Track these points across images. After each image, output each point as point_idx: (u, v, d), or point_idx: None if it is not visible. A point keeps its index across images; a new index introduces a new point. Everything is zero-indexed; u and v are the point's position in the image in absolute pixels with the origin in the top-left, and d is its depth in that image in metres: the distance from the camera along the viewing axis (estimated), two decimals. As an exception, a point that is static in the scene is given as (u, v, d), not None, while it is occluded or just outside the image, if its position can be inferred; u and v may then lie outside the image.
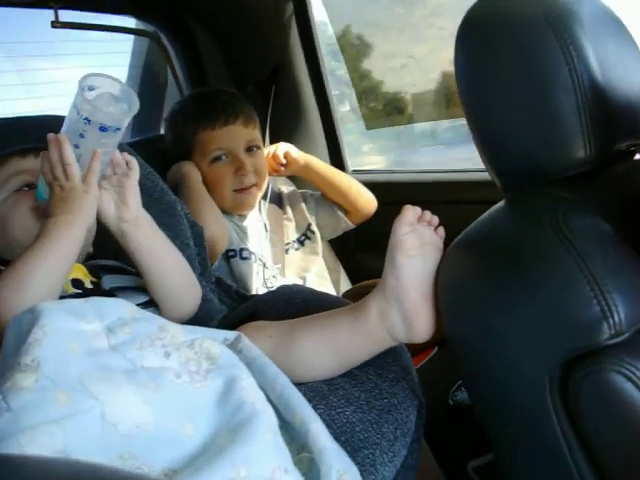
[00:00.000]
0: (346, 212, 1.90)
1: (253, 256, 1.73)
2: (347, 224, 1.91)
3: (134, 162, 1.05)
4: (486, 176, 0.97)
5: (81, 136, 0.97)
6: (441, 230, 1.00)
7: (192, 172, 1.66)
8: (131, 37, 2.30)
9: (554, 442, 0.79)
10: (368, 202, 1.90)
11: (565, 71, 0.81)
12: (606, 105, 0.84)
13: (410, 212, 0.97)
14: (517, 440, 0.87)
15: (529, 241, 0.83)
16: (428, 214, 0.99)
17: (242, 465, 0.62)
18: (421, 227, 0.98)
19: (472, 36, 0.91)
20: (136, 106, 0.99)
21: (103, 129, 0.96)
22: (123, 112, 0.98)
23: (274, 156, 1.84)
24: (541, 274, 0.78)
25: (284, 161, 1.84)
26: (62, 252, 0.94)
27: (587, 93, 0.82)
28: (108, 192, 1.04)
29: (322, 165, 1.91)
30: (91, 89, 0.96)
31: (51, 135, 0.98)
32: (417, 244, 0.96)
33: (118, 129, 0.98)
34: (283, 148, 1.86)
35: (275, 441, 0.70)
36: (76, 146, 0.98)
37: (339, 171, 1.95)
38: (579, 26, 0.83)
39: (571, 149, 0.84)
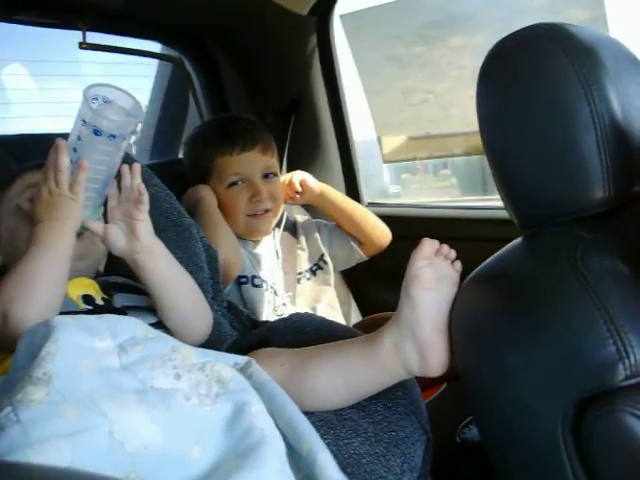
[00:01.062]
0: (360, 244, 1.89)
1: (265, 284, 1.73)
2: (360, 256, 1.91)
3: (145, 196, 1.04)
4: (503, 213, 0.97)
5: (78, 138, 0.98)
6: (458, 264, 0.99)
7: (208, 196, 1.67)
8: (155, 61, 2.33)
9: (563, 482, 0.78)
10: (382, 234, 1.90)
11: (586, 111, 0.81)
12: (626, 146, 0.84)
13: (428, 245, 0.97)
14: (526, 479, 0.86)
15: (546, 279, 0.82)
16: (446, 247, 0.99)
17: (249, 491, 0.62)
18: (438, 260, 0.97)
19: (493, 75, 0.91)
20: (138, 117, 1.00)
21: (97, 133, 0.97)
22: (120, 121, 0.99)
23: (290, 184, 1.85)
24: (557, 312, 0.78)
25: (300, 189, 1.85)
26: (58, 257, 0.96)
27: (608, 134, 0.82)
28: (116, 224, 1.05)
29: (338, 195, 1.92)
30: (96, 99, 0.98)
31: (57, 143, 1.00)
32: (433, 277, 0.96)
33: (112, 136, 0.98)
34: (299, 176, 1.87)
35: (282, 469, 0.69)
36: (74, 150, 0.99)
37: (355, 202, 1.95)
38: (601, 67, 0.83)
39: (590, 189, 0.83)
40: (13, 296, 0.92)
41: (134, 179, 1.05)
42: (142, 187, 1.04)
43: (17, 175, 1.17)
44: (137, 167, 1.05)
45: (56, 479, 0.35)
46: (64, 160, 0.98)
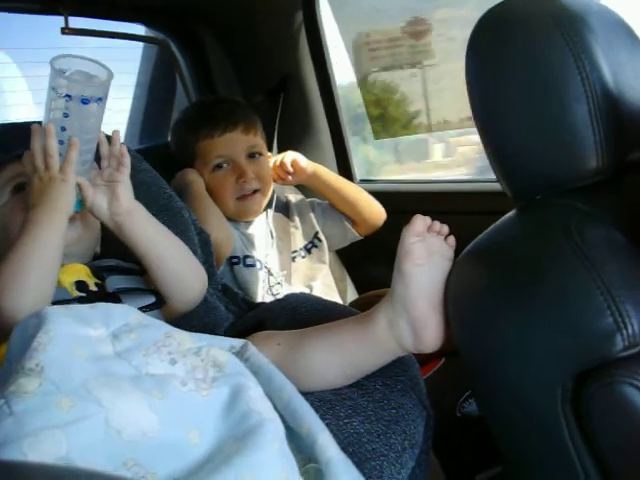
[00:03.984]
0: (354, 223, 1.89)
1: (258, 263, 1.72)
2: (354, 235, 1.90)
3: (127, 157, 1.05)
4: (495, 186, 0.96)
5: (65, 116, 0.97)
6: (451, 239, 0.99)
7: (195, 180, 1.66)
8: (140, 44, 2.30)
9: (565, 454, 0.78)
10: (376, 214, 1.88)
11: (577, 80, 0.81)
12: (619, 115, 0.83)
13: (419, 222, 0.97)
14: (527, 452, 0.86)
15: (541, 251, 0.82)
16: (437, 224, 0.98)
17: (248, 474, 0.61)
18: (430, 237, 0.97)
19: (482, 47, 0.90)
20: (111, 74, 0.98)
21: (85, 101, 0.96)
22: (102, 81, 0.98)
23: (281, 164, 1.84)
24: (553, 285, 0.77)
25: (291, 169, 1.84)
26: (50, 240, 0.96)
27: (600, 103, 0.81)
28: (100, 188, 1.05)
29: (330, 175, 1.90)
30: (62, 71, 0.96)
31: (35, 126, 0.99)
32: (425, 253, 0.96)
33: (99, 99, 0.98)
34: (291, 156, 1.85)
35: (282, 451, 0.68)
36: (63, 128, 0.98)
37: (348, 181, 1.94)
38: (591, 35, 0.83)
39: (583, 159, 0.83)
40: (3, 287, 0.91)
41: (114, 144, 1.05)
42: (124, 149, 1.05)
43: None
44: (116, 133, 1.06)
45: (53, 472, 0.34)
46: (53, 144, 0.97)
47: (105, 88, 0.98)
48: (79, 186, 1.02)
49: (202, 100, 1.99)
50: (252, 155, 1.72)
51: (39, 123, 1.04)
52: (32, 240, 0.95)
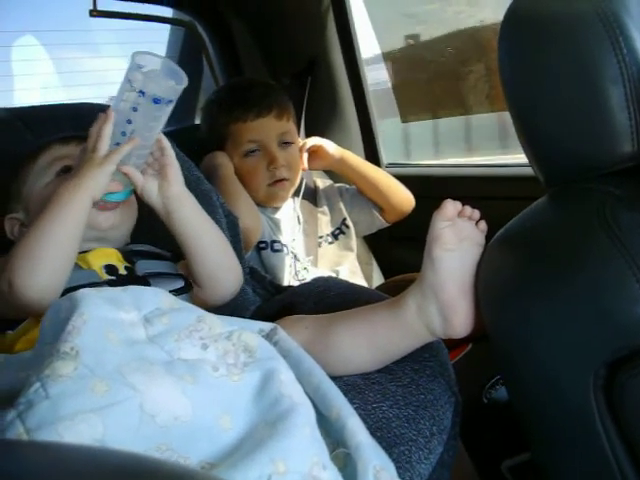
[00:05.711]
0: (382, 210, 1.87)
1: (285, 248, 1.72)
2: (382, 222, 1.88)
3: (164, 139, 1.05)
4: (525, 171, 0.95)
5: (134, 110, 0.97)
6: (482, 224, 0.98)
7: (225, 163, 1.66)
8: (167, 27, 2.30)
9: (596, 442, 0.78)
10: (405, 200, 1.86)
11: (614, 63, 0.79)
12: (656, 98, 0.81)
13: (450, 206, 0.96)
14: (557, 438, 0.86)
15: (575, 237, 0.80)
16: (468, 209, 0.97)
17: (281, 460, 0.61)
18: (461, 222, 0.96)
19: (517, 27, 0.89)
20: (185, 80, 0.99)
21: (157, 101, 0.96)
22: (175, 85, 0.98)
23: (301, 149, 1.81)
24: (587, 270, 0.76)
25: (305, 156, 1.81)
26: (68, 218, 0.95)
27: (636, 85, 0.79)
28: (151, 175, 1.05)
29: (358, 160, 1.88)
30: (140, 67, 0.97)
31: (101, 114, 0.99)
32: (455, 239, 0.95)
33: (170, 101, 0.99)
34: (314, 142, 1.83)
35: (313, 435, 0.68)
36: (129, 121, 0.98)
37: (376, 167, 1.92)
38: (628, 17, 0.81)
39: (618, 143, 0.81)
40: (17, 264, 0.91)
41: None
42: (161, 136, 1.05)
43: (42, 148, 1.16)
44: None
45: (88, 455, 0.34)
46: (108, 129, 0.97)
47: (177, 92, 0.99)
48: (128, 174, 1.02)
49: (235, 81, 1.98)
50: (284, 142, 1.71)
51: (68, 106, 1.04)
52: (49, 217, 0.94)
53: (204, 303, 1.13)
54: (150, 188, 1.05)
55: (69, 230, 0.95)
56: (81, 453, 0.35)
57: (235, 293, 1.17)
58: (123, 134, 0.99)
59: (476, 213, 0.98)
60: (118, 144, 0.99)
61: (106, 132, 0.97)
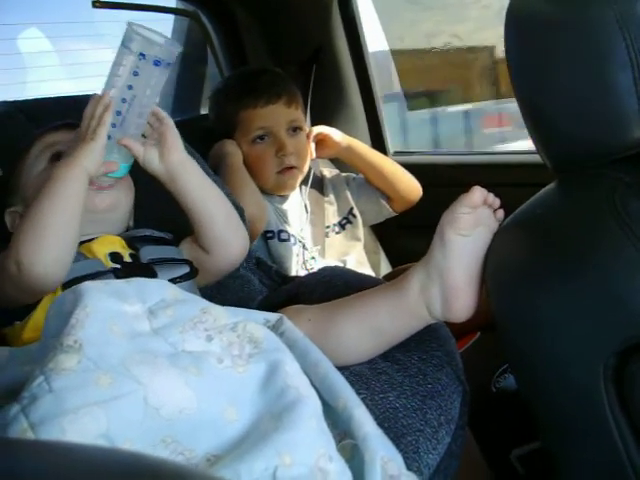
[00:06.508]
0: (389, 199, 1.86)
1: (293, 238, 1.72)
2: (389, 212, 1.87)
3: (160, 110, 1.05)
4: (533, 158, 0.94)
5: (135, 74, 0.97)
6: (500, 213, 0.96)
7: (234, 151, 1.66)
8: (171, 17, 2.29)
9: (606, 431, 0.77)
10: (413, 189, 1.84)
11: (622, 47, 0.78)
12: (665, 83, 0.80)
13: (478, 193, 0.94)
14: (566, 427, 0.85)
15: (584, 224, 0.80)
16: (492, 196, 0.95)
17: (286, 452, 0.61)
18: (481, 209, 0.95)
19: (523, 14, 0.87)
20: (178, 44, 1.00)
21: (157, 63, 0.96)
22: (174, 47, 0.99)
23: (308, 136, 1.79)
24: (597, 259, 0.76)
25: (312, 145, 1.80)
26: (66, 194, 0.95)
27: (645, 71, 0.78)
28: (151, 144, 1.05)
29: (365, 148, 1.87)
30: (138, 34, 0.97)
31: (97, 95, 0.99)
32: (472, 225, 0.94)
33: (169, 64, 0.99)
34: (320, 130, 1.82)
35: (320, 427, 0.68)
36: (129, 87, 0.98)
37: (384, 156, 1.90)
38: (637, 1, 0.79)
39: (627, 129, 0.80)
40: (22, 243, 0.91)
41: None
42: (156, 107, 1.05)
43: (35, 138, 1.16)
44: None
45: (88, 455, 0.34)
46: (108, 117, 0.97)
47: (175, 56, 0.99)
48: (128, 146, 1.02)
49: (244, 69, 1.97)
50: (293, 129, 1.71)
51: (72, 98, 1.03)
52: (48, 195, 0.94)
53: (212, 270, 1.15)
54: (151, 157, 1.05)
55: (69, 204, 0.95)
56: (81, 452, 0.35)
57: (243, 256, 1.18)
58: (123, 101, 0.98)
59: (497, 201, 0.96)
60: (119, 112, 0.99)
61: (107, 119, 0.97)
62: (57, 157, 1.11)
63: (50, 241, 0.92)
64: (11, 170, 1.16)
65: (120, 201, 1.13)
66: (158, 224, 1.18)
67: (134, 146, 1.03)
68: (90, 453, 0.34)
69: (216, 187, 1.13)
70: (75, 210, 0.96)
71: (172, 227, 1.15)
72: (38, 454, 0.34)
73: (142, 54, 0.95)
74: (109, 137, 1.00)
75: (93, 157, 0.98)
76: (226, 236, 1.13)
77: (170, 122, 1.06)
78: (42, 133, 1.17)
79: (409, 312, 0.98)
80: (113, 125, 1.00)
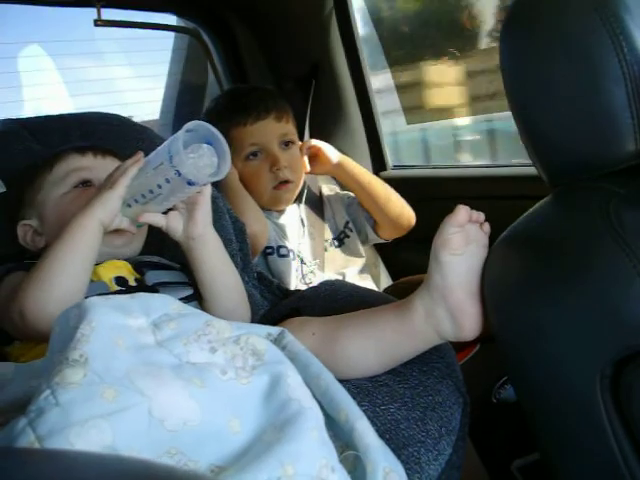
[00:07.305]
0: (376, 224, 1.85)
1: (291, 253, 1.73)
2: (375, 238, 1.88)
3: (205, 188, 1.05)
4: (529, 170, 0.95)
5: (167, 181, 0.97)
6: (486, 226, 0.98)
7: (229, 170, 1.66)
8: (172, 34, 2.32)
9: (604, 442, 0.77)
10: (403, 215, 1.82)
11: (615, 62, 0.79)
12: (658, 96, 0.81)
13: (463, 212, 0.95)
14: (564, 439, 0.86)
15: (579, 236, 0.81)
16: (476, 213, 0.97)
17: (289, 463, 0.62)
18: (469, 226, 0.96)
19: (518, 26, 0.89)
20: (226, 167, 0.99)
21: (190, 183, 0.97)
22: (211, 174, 0.99)
23: (301, 149, 1.80)
24: (592, 271, 0.77)
25: (306, 158, 1.81)
26: (76, 242, 0.96)
27: (638, 85, 0.79)
28: (177, 214, 1.06)
29: (358, 168, 1.85)
30: (188, 131, 0.97)
31: (136, 156, 1.00)
32: (463, 243, 0.95)
33: (204, 184, 1.00)
34: (312, 143, 1.83)
35: (322, 438, 0.69)
36: (159, 186, 0.98)
37: (376, 178, 1.88)
38: (629, 16, 0.81)
39: (621, 142, 0.81)
40: (28, 293, 0.93)
41: None
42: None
43: (59, 157, 1.17)
44: None
45: (101, 462, 0.35)
46: (134, 170, 0.99)
47: (210, 182, 1.00)
48: (148, 222, 1.04)
49: (233, 88, 2.00)
50: (285, 143, 1.72)
51: (74, 115, 1.04)
52: (61, 246, 0.95)
53: None
54: (175, 227, 1.06)
55: (79, 257, 0.96)
56: (89, 460, 0.35)
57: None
58: (150, 192, 1.00)
59: (482, 216, 0.98)
60: (144, 196, 1.00)
61: (131, 171, 0.98)
62: (82, 184, 1.12)
63: (57, 294, 0.93)
64: (26, 183, 1.17)
65: (135, 239, 1.16)
66: (167, 252, 1.21)
67: (154, 220, 1.04)
68: (98, 461, 0.35)
69: (230, 262, 1.15)
70: (86, 261, 0.98)
71: (181, 258, 1.17)
72: (44, 462, 0.35)
73: (178, 172, 0.95)
74: (129, 205, 1.02)
75: (108, 206, 0.98)
76: (230, 307, 1.14)
77: (206, 195, 1.06)
78: (67, 152, 1.17)
79: (416, 336, 0.98)
80: (136, 200, 1.01)
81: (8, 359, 0.98)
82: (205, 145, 0.98)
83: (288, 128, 1.75)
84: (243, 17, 2.16)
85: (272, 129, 1.71)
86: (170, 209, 1.06)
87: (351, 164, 1.85)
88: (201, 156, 0.98)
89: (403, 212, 1.82)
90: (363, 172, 1.86)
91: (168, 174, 0.96)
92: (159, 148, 0.99)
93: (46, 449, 0.54)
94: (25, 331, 0.93)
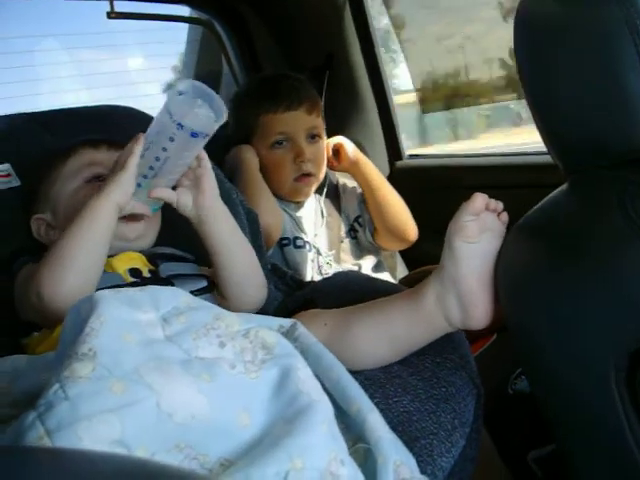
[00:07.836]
0: (376, 231, 1.82)
1: (308, 245, 1.72)
2: (371, 242, 1.84)
3: (202, 151, 1.05)
4: (544, 159, 0.94)
5: (171, 140, 0.97)
6: (504, 216, 0.97)
7: (250, 158, 1.66)
8: (185, 26, 2.31)
9: (619, 434, 0.77)
10: (403, 226, 1.77)
11: (632, 49, 0.78)
12: (675, 83, 0.80)
13: (480, 200, 0.95)
14: (579, 431, 0.85)
15: (596, 225, 0.80)
16: (494, 202, 0.96)
17: (298, 456, 0.62)
18: (485, 214, 0.95)
19: (534, 13, 0.88)
20: (224, 115, 0.99)
21: (194, 135, 0.97)
22: (213, 119, 0.98)
23: (326, 147, 1.80)
24: (609, 260, 0.76)
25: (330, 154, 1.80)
26: (92, 223, 0.97)
27: (655, 72, 0.78)
28: (185, 189, 1.06)
29: (373, 171, 1.81)
30: (181, 94, 0.97)
31: (135, 137, 1.00)
32: (478, 231, 0.94)
33: (207, 135, 0.99)
34: (336, 140, 1.82)
35: (331, 432, 0.69)
36: (164, 149, 0.98)
37: (387, 184, 1.82)
38: (645, 1, 0.79)
39: (637, 130, 0.80)
40: (45, 275, 0.94)
41: None
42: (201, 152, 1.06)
43: (72, 151, 1.17)
44: None
45: (89, 460, 0.35)
46: (139, 148, 0.99)
47: (214, 127, 0.99)
48: (159, 197, 1.04)
49: (266, 74, 1.97)
50: (312, 137, 1.71)
51: (88, 108, 1.04)
52: (78, 227, 0.96)
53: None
54: (185, 202, 1.06)
55: (95, 238, 0.97)
56: (84, 458, 0.35)
57: (261, 304, 1.18)
58: (157, 159, 1.00)
59: (500, 205, 0.97)
60: (152, 167, 1.00)
61: (137, 149, 0.98)
62: (95, 179, 1.13)
63: (73, 274, 0.94)
64: (39, 177, 1.17)
65: (149, 231, 1.16)
66: (181, 244, 1.20)
67: (166, 195, 1.04)
68: (92, 459, 0.35)
69: (242, 235, 1.15)
70: (101, 244, 0.98)
71: (195, 250, 1.17)
72: (38, 461, 0.35)
73: (180, 124, 0.95)
74: (139, 185, 1.02)
75: (122, 188, 0.99)
76: (246, 283, 1.14)
77: (208, 167, 1.06)
78: (80, 146, 1.18)
79: (426, 322, 0.98)
80: (145, 176, 1.01)
81: (26, 351, 0.99)
82: (199, 100, 0.98)
83: (317, 122, 1.73)
84: (256, 7, 2.15)
85: (302, 121, 1.69)
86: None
87: (367, 165, 1.82)
88: (200, 106, 0.97)
89: (405, 222, 1.78)
90: (376, 176, 1.82)
91: (170, 131, 0.96)
92: (155, 117, 1.00)
93: (39, 446, 0.54)
94: (43, 313, 0.94)
